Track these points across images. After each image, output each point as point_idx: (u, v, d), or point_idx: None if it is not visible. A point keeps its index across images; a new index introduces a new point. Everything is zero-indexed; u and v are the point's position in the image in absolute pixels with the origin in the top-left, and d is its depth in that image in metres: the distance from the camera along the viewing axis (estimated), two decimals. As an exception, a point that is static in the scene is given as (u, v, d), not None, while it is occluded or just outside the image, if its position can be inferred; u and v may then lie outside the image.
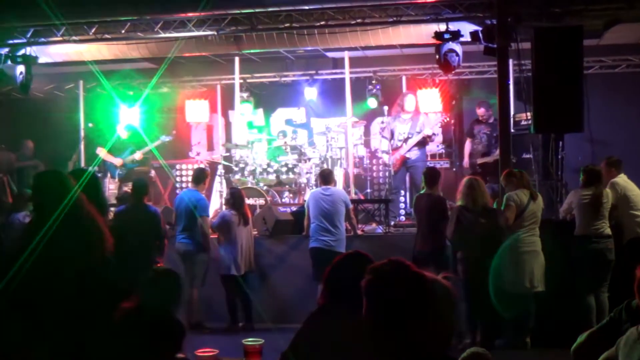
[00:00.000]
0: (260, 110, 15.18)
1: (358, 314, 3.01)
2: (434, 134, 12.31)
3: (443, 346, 3.03)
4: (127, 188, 12.46)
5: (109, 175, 13.02)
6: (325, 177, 10.05)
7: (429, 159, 13.42)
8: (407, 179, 12.72)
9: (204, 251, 9.82)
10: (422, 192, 9.41)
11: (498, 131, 12.22)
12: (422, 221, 9.31)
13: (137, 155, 13.12)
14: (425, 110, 14.11)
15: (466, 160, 12.69)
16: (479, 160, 12.43)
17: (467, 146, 12.82)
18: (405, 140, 12.17)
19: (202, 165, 12.82)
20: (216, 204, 13.00)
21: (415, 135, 12.18)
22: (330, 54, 14.13)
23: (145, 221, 8.73)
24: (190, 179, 14.04)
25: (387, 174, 12.73)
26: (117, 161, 12.99)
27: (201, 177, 10.23)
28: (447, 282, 3.06)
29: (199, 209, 9.77)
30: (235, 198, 10.07)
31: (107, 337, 4.26)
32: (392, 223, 11.28)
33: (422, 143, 12.28)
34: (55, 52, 12.50)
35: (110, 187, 12.63)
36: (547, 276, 8.57)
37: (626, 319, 4.07)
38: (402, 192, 12.81)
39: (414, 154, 12.19)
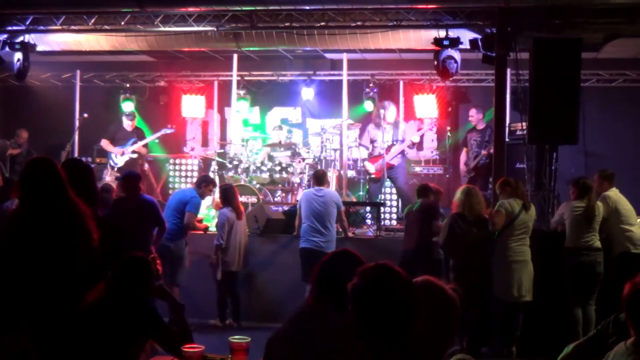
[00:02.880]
0: (257, 109, 15.16)
1: (346, 314, 3.02)
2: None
3: (434, 351, 3.03)
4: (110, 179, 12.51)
5: (109, 167, 13.05)
6: (319, 178, 10.05)
7: (423, 164, 13.47)
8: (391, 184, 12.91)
9: (181, 248, 9.79)
10: (416, 202, 9.51)
11: (487, 137, 12.39)
12: (411, 223, 9.39)
13: (138, 146, 13.14)
14: (421, 115, 14.16)
15: (462, 168, 12.77)
16: (472, 164, 12.51)
17: (463, 156, 12.94)
18: (389, 148, 12.25)
19: (186, 161, 12.82)
20: (208, 200, 12.97)
21: (399, 144, 12.31)
22: (328, 55, 14.12)
23: (142, 211, 8.73)
24: (183, 173, 14.14)
25: (363, 181, 12.78)
26: (118, 151, 13.04)
27: (200, 182, 10.22)
28: (451, 291, 3.07)
29: (189, 204, 9.74)
30: (227, 194, 10.06)
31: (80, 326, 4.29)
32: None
33: (402, 150, 12.47)
34: (54, 40, 12.49)
35: (107, 179, 12.57)
36: (535, 286, 8.59)
37: (613, 332, 4.07)
38: (382, 199, 12.96)
39: (396, 161, 12.35)
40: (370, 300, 2.87)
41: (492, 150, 11.44)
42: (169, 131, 13.78)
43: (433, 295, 3.07)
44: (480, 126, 12.83)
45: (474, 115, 12.97)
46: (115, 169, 12.98)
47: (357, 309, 2.90)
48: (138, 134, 13.43)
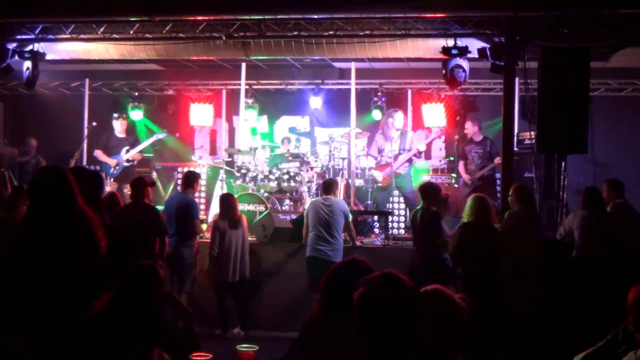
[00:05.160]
0: (265, 117, 15.19)
1: (353, 325, 3.01)
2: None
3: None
4: (126, 189, 12.49)
5: (105, 176, 13.05)
6: (327, 187, 10.02)
7: (431, 173, 13.45)
8: (398, 193, 12.95)
9: (191, 255, 9.78)
10: (418, 207, 9.35)
11: (488, 147, 12.36)
12: (416, 235, 9.29)
13: (131, 154, 13.10)
14: (429, 124, 14.14)
15: (466, 177, 12.68)
16: (478, 174, 12.43)
17: (461, 167, 12.83)
18: (396, 157, 12.24)
19: (192, 169, 12.80)
20: (217, 208, 12.98)
21: (405, 152, 12.31)
22: (337, 64, 14.15)
23: (144, 219, 8.73)
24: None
25: (371, 190, 12.74)
26: (112, 161, 12.98)
27: (189, 181, 10.18)
28: (460, 300, 3.05)
29: (189, 212, 9.75)
30: (223, 203, 10.05)
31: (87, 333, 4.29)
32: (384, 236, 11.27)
33: (410, 159, 12.48)
34: (63, 49, 12.53)
35: (106, 189, 12.55)
36: (543, 296, 8.54)
37: (622, 342, 4.06)
38: (390, 208, 12.94)
39: (402, 169, 12.35)
40: (376, 309, 2.86)
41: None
42: (162, 136, 13.78)
43: (442, 304, 3.06)
44: (478, 138, 12.71)
45: (469, 128, 12.91)
46: (112, 179, 12.95)
47: (363, 318, 2.90)
48: (131, 141, 13.35)
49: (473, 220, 8.45)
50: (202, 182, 13.95)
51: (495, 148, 12.16)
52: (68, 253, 4.43)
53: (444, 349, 3.05)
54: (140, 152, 13.37)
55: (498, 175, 12.12)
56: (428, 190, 9.28)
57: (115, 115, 13.71)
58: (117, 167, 12.99)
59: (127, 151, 13.09)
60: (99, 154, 13.15)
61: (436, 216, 9.11)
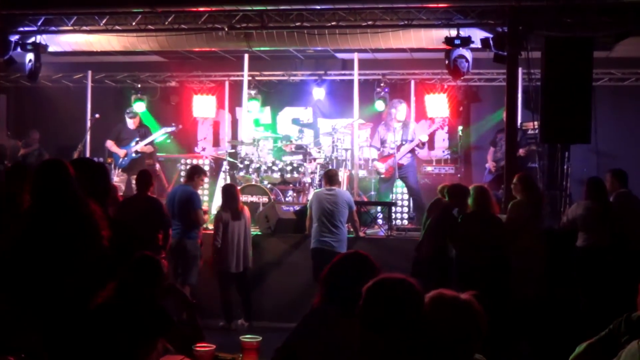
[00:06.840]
0: (268, 108, 15.18)
1: (352, 316, 3.04)
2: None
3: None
4: (134, 180, 12.54)
5: (114, 167, 13.10)
6: (331, 178, 10.00)
7: (434, 164, 13.44)
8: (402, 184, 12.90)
9: (195, 246, 9.79)
10: (435, 199, 9.21)
11: (519, 138, 12.27)
12: (427, 225, 9.15)
13: (140, 146, 13.17)
14: (432, 115, 14.13)
15: (491, 164, 12.60)
16: (502, 163, 12.35)
17: (489, 154, 12.81)
18: (398, 147, 12.21)
19: (197, 162, 12.80)
20: (220, 200, 12.99)
21: (408, 143, 12.27)
22: (339, 55, 14.13)
23: (148, 211, 8.74)
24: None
25: (374, 181, 12.72)
26: (121, 152, 13.09)
27: (192, 174, 10.18)
28: (469, 301, 3.07)
29: (191, 202, 9.75)
30: (226, 194, 10.06)
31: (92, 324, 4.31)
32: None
33: (413, 149, 12.43)
34: (65, 41, 12.54)
35: (115, 180, 12.62)
36: (547, 286, 8.54)
37: (625, 331, 4.05)
38: (393, 199, 12.91)
39: (405, 160, 12.30)
40: (380, 309, 2.92)
41: (532, 148, 11.41)
42: (170, 129, 13.84)
43: (449, 308, 3.09)
44: None
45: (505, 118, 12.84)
46: (120, 170, 13.02)
47: (365, 314, 2.96)
48: (142, 133, 13.45)
49: (474, 210, 8.42)
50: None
51: (525, 139, 12.01)
52: (69, 244, 4.44)
53: (459, 351, 3.09)
54: (150, 144, 13.44)
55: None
56: (457, 191, 8.84)
57: (128, 112, 13.73)
58: (126, 158, 13.08)
59: (137, 143, 13.17)
60: (110, 144, 13.29)
61: (452, 217, 8.91)
